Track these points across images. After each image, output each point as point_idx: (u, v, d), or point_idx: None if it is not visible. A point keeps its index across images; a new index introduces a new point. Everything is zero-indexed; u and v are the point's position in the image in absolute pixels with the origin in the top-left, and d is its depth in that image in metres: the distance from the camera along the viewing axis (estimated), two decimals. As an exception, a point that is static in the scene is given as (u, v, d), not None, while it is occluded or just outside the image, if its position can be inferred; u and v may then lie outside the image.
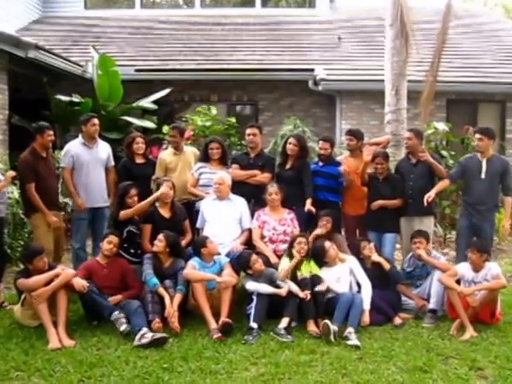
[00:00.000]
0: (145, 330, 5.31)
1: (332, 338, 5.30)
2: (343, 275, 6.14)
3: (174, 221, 6.55)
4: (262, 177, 6.84)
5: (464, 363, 4.88)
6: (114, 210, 6.73)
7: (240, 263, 6.09)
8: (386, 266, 6.18)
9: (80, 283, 5.58)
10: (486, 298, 5.72)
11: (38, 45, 10.01)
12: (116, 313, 5.56)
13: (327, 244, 6.18)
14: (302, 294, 5.73)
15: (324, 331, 5.38)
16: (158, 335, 5.28)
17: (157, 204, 6.58)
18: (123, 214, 6.38)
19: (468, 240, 6.45)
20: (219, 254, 6.14)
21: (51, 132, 6.71)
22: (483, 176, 6.50)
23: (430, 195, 6.48)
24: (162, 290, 5.76)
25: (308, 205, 6.63)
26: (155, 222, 6.45)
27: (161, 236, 6.06)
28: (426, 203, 6.45)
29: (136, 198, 6.43)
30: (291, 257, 6.05)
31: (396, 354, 5.08)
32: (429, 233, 6.60)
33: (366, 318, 5.77)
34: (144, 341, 5.20)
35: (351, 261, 6.26)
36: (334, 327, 5.36)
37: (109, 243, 6.00)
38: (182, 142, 7.52)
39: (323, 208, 6.62)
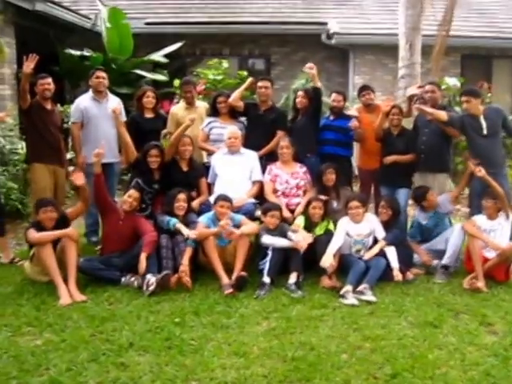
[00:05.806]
0: (148, 277, 5.40)
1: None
2: (367, 233, 6.08)
3: (191, 176, 6.49)
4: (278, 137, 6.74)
5: (474, 319, 4.87)
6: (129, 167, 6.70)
7: (263, 208, 6.06)
8: (382, 244, 6.00)
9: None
10: (502, 255, 5.72)
11: (45, -3, 9.82)
12: (124, 279, 5.62)
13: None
14: (299, 245, 5.67)
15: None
16: (161, 275, 5.37)
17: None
18: None
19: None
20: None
21: (43, 81, 6.57)
22: (485, 132, 6.23)
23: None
24: (180, 225, 5.82)
25: None
26: (171, 173, 6.39)
27: (182, 196, 5.96)
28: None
29: (157, 159, 6.28)
30: (306, 216, 6.03)
31: (407, 309, 5.07)
32: (445, 190, 6.53)
33: (399, 276, 5.72)
34: (151, 288, 5.29)
35: (374, 220, 6.17)
36: (348, 287, 5.35)
37: (129, 197, 5.95)
38: (195, 97, 7.42)
39: (333, 162, 6.50)
